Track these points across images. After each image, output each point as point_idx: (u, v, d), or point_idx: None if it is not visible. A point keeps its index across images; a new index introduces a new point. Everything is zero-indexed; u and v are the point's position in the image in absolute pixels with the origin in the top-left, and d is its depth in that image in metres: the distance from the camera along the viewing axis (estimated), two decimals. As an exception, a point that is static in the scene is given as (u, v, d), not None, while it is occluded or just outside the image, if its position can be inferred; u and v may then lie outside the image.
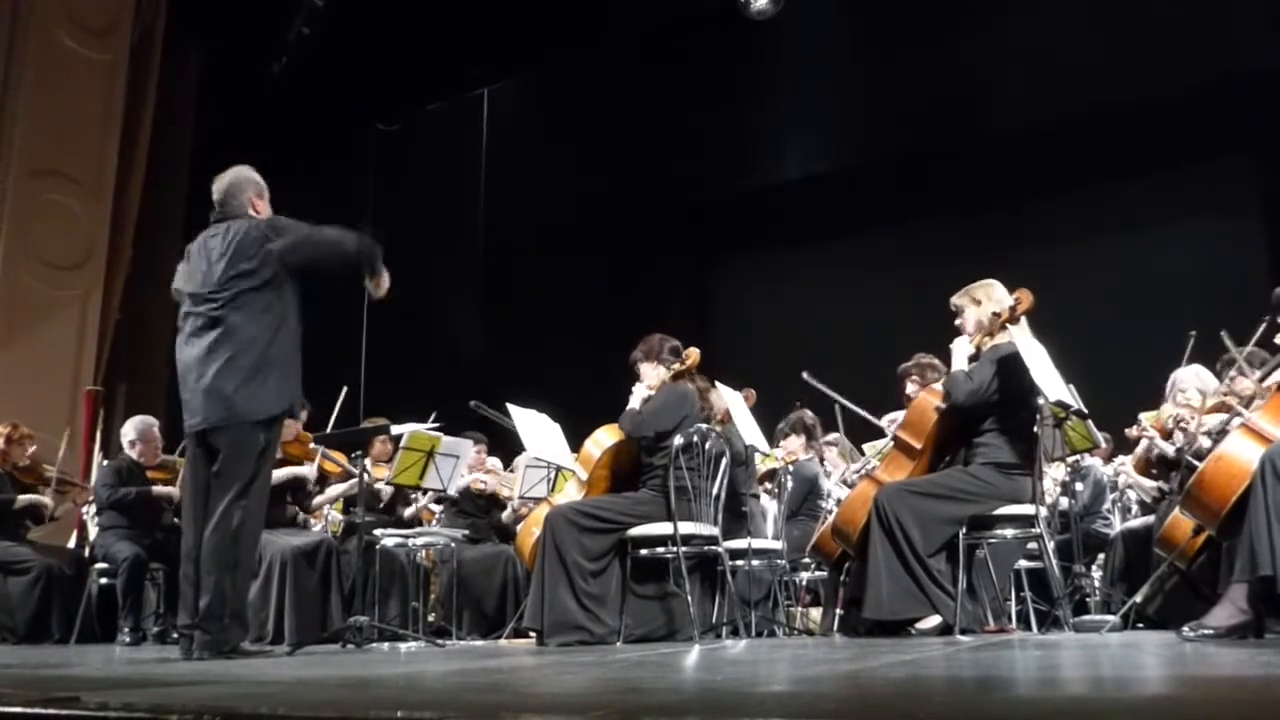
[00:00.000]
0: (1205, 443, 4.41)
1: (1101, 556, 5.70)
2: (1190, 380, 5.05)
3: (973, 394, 4.31)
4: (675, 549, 4.51)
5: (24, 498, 6.34)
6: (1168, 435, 4.96)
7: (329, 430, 6.06)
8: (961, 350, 4.47)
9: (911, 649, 3.32)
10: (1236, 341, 4.42)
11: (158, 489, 6.19)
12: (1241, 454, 3.44)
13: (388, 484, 6.08)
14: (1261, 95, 7.20)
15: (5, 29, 8.79)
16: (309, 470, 6.03)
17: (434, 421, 5.96)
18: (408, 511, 6.45)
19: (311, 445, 5.94)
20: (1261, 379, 4.11)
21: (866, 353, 5.84)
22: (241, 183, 4.29)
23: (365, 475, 5.37)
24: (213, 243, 4.14)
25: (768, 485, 6.01)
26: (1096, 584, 5.67)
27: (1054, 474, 5.57)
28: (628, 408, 4.80)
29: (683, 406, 4.78)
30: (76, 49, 9.10)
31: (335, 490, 6.30)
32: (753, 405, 5.47)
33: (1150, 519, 5.31)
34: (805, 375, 5.56)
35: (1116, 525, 5.76)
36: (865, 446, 6.06)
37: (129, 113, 9.39)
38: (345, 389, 6.12)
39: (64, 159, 8.97)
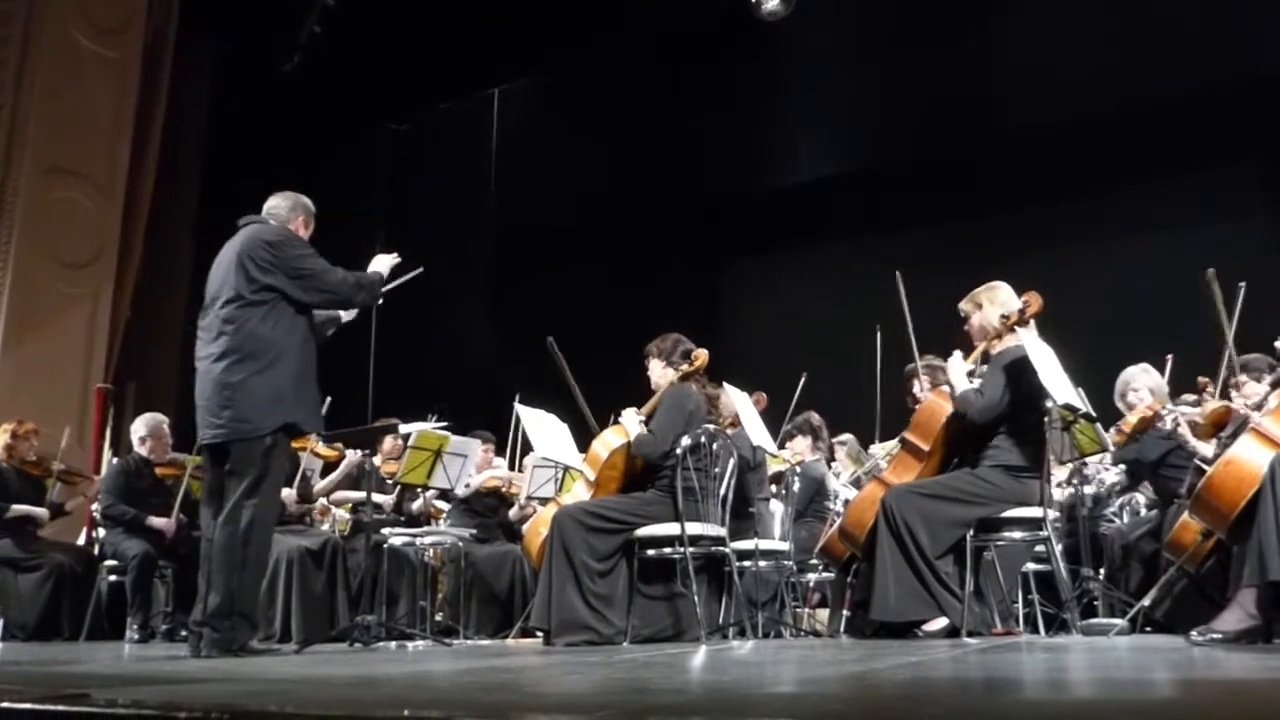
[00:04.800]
0: (1206, 451, 4.40)
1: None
2: (1143, 380, 5.11)
3: (987, 410, 4.31)
4: (682, 549, 4.51)
5: (17, 508, 6.33)
6: (1144, 429, 4.99)
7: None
8: (959, 369, 4.46)
9: (918, 651, 3.31)
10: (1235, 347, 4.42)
11: (153, 520, 6.15)
12: (1252, 458, 3.44)
13: (395, 483, 6.10)
14: (1270, 98, 7.16)
15: (19, 27, 8.83)
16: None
17: (440, 421, 5.97)
18: (415, 505, 6.46)
19: (311, 440, 5.94)
20: (1273, 384, 4.10)
21: (876, 356, 5.82)
22: (295, 203, 4.36)
23: (369, 465, 5.37)
24: (228, 250, 4.17)
25: (775, 486, 6.01)
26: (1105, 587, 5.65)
27: (1059, 476, 5.56)
28: (635, 436, 4.78)
29: (685, 407, 4.78)
30: (89, 47, 9.13)
31: (336, 475, 6.31)
32: (764, 409, 5.45)
33: (1145, 517, 5.35)
34: (725, 384, 5.36)
35: (1120, 528, 5.74)
36: (873, 448, 6.05)
37: (141, 111, 9.42)
38: (330, 399, 6.05)
39: (76, 157, 9.01)
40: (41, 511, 6.43)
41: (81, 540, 7.24)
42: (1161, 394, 5.19)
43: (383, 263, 4.44)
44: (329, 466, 6.38)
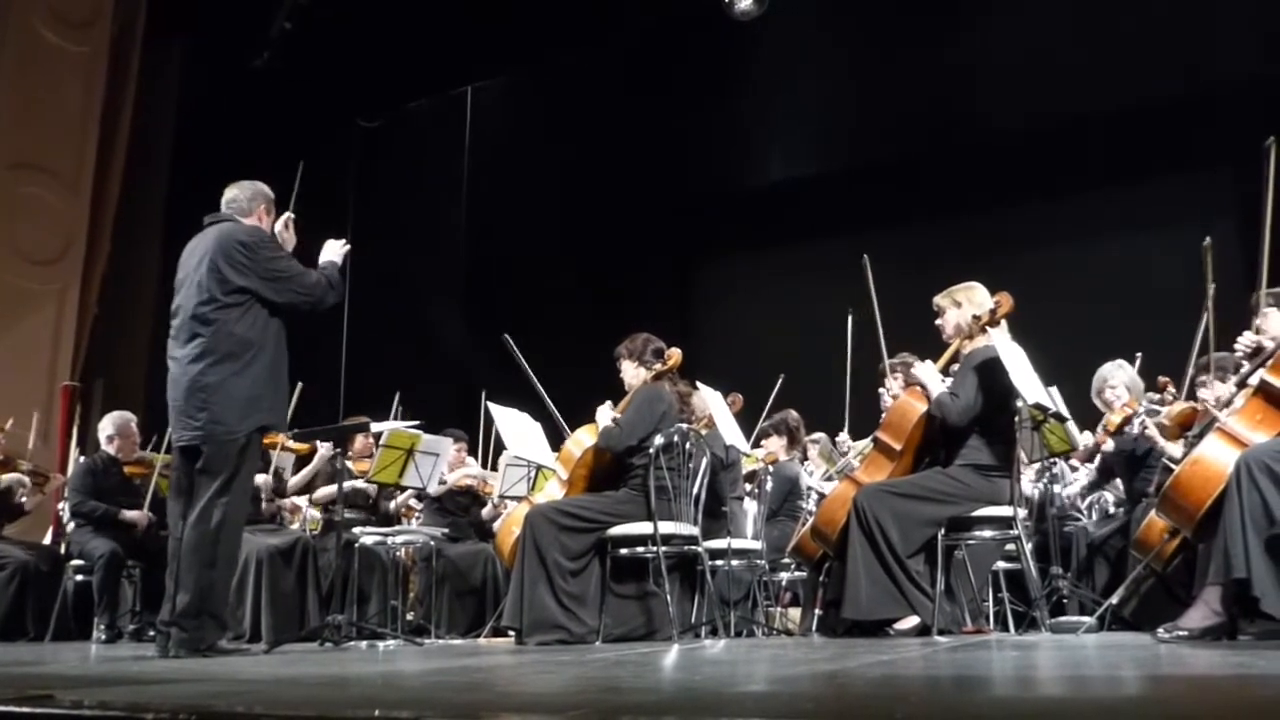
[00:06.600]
0: (1175, 451, 4.46)
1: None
2: (1119, 377, 5.16)
3: (965, 413, 4.34)
4: (655, 548, 4.51)
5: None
6: (1119, 430, 5.03)
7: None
8: (933, 376, 4.48)
9: (889, 649, 3.33)
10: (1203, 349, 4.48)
11: (126, 514, 6.10)
12: (1218, 457, 3.47)
13: (368, 481, 6.07)
14: (1244, 102, 7.24)
15: (-16, 21, 8.72)
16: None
17: (412, 420, 5.95)
18: (391, 505, 6.43)
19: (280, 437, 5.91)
20: (1239, 384, 4.14)
21: (849, 356, 5.84)
22: (254, 193, 4.32)
23: (339, 464, 5.35)
24: (197, 249, 4.13)
25: (748, 486, 6.02)
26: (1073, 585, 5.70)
27: (1029, 475, 5.60)
28: (603, 427, 4.79)
29: (656, 406, 4.78)
30: (56, 41, 9.02)
31: (308, 471, 6.26)
32: (739, 410, 5.46)
33: (1112, 515, 5.38)
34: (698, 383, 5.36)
35: (1087, 527, 5.80)
36: (842, 435, 6.06)
37: (108, 106, 9.31)
38: (301, 385, 6.02)
39: (42, 152, 8.90)
40: (21, 481, 6.45)
41: (48, 539, 7.16)
42: (1137, 390, 5.22)
43: (334, 250, 4.40)
44: (300, 460, 6.34)
